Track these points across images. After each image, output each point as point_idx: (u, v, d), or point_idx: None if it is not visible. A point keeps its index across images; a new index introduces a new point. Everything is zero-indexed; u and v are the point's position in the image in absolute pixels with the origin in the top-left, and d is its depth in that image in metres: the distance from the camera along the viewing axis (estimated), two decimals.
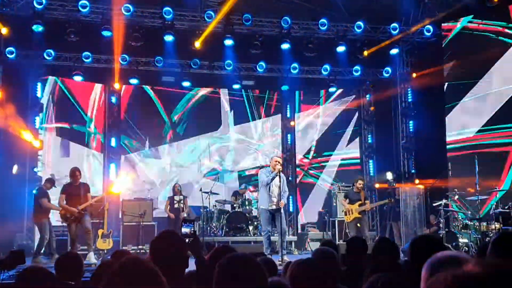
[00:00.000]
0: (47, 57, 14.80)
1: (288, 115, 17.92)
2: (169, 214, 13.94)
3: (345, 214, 12.86)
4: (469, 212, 12.01)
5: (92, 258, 10.95)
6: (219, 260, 2.80)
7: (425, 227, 13.44)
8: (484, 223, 11.31)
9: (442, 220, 11.90)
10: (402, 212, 13.74)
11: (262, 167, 14.93)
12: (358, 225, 12.65)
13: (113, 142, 16.48)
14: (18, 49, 14.37)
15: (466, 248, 11.16)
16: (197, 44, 14.48)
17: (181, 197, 14.06)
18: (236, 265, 2.71)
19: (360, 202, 12.68)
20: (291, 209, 16.93)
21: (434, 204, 12.37)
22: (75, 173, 11.23)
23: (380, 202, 13.93)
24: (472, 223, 11.55)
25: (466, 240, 11.35)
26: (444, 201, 12.03)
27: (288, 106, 17.96)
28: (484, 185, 11.89)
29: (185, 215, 14.45)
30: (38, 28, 13.29)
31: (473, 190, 11.79)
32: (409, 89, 16.40)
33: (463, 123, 14.70)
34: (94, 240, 12.37)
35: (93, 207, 12.35)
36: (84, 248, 11.44)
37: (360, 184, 12.94)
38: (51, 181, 12.37)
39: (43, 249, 11.94)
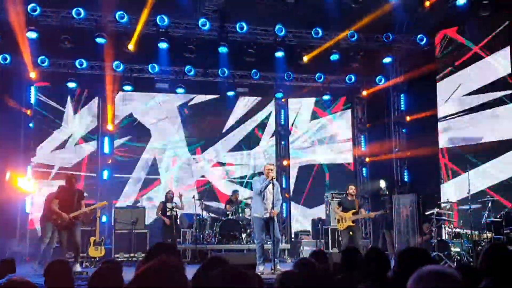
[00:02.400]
0: (41, 64, 14.82)
1: (282, 122, 17.95)
2: (163, 218, 13.84)
3: (338, 222, 12.71)
4: (461, 221, 12.03)
5: (77, 267, 10.79)
6: (210, 271, 2.80)
7: (418, 235, 13.44)
8: (476, 232, 11.32)
9: (434, 229, 11.92)
10: (395, 220, 13.75)
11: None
12: (351, 233, 12.59)
13: (106, 148, 16.45)
14: (12, 56, 14.39)
15: (458, 257, 11.17)
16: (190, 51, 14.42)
17: (174, 204, 14.01)
18: (228, 281, 2.71)
19: (354, 210, 12.59)
20: (284, 216, 16.95)
21: (426, 213, 12.39)
22: (71, 179, 11.16)
23: (377, 212, 13.88)
24: (464, 232, 11.56)
25: (458, 249, 11.36)
26: (436, 209, 12.04)
27: (282, 112, 18.00)
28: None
29: (178, 222, 14.44)
30: (32, 35, 13.28)
31: None
32: (402, 97, 16.47)
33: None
34: (85, 247, 12.40)
35: (86, 215, 12.30)
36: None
37: (352, 189, 12.84)
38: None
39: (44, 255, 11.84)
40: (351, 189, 12.80)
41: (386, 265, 4.99)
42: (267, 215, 10.48)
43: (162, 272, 2.45)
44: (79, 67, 15.10)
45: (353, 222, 12.48)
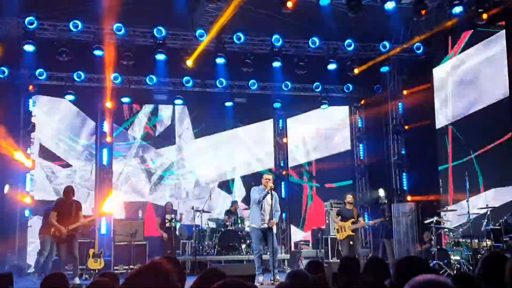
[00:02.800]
0: (39, 77, 14.85)
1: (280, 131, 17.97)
2: (161, 233, 13.83)
3: (338, 232, 12.74)
4: (460, 230, 12.00)
5: (76, 280, 10.78)
6: (207, 283, 2.83)
7: (418, 244, 13.42)
8: (476, 240, 11.30)
9: (433, 237, 11.89)
10: (395, 229, 13.73)
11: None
12: (351, 243, 12.59)
13: (104, 159, 16.45)
14: (10, 69, 14.42)
15: (458, 266, 11.14)
16: (189, 62, 14.51)
17: (173, 216, 14.00)
18: None
19: (353, 219, 12.62)
20: (283, 227, 16.93)
21: (425, 221, 12.37)
22: (68, 192, 11.14)
23: (376, 220, 13.89)
24: (463, 241, 11.53)
25: (458, 258, 11.33)
26: (435, 218, 12.02)
27: (280, 122, 18.02)
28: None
29: (178, 233, 14.43)
30: (29, 48, 13.31)
31: None
32: (400, 106, 16.50)
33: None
34: (85, 259, 12.38)
35: (85, 227, 12.29)
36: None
37: (349, 198, 12.89)
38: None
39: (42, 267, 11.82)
40: (349, 198, 12.85)
41: (385, 274, 4.98)
42: (265, 225, 10.46)
43: (151, 274, 2.56)
44: (77, 79, 15.14)
45: (352, 231, 12.50)
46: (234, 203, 15.61)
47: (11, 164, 14.43)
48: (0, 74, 14.40)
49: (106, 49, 13.85)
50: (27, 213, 14.79)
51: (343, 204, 13.25)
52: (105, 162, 16.43)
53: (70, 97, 15.38)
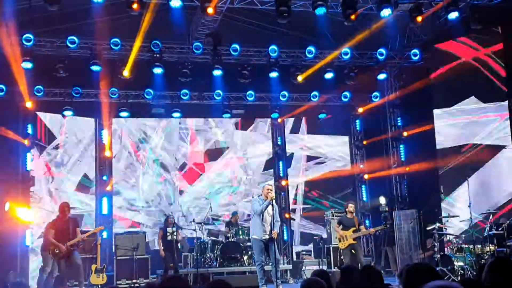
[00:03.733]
0: (37, 93, 14.85)
1: (279, 142, 17.94)
2: (160, 250, 13.67)
3: (339, 241, 12.69)
4: (463, 236, 11.97)
5: None
6: None
7: (421, 251, 13.36)
8: (479, 246, 11.27)
9: (436, 244, 11.85)
10: (397, 237, 13.69)
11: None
12: (353, 251, 12.54)
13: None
14: (7, 86, 14.41)
15: (462, 271, 11.09)
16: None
17: (174, 228, 13.91)
18: None
19: (354, 228, 12.56)
20: (285, 238, 16.88)
21: (427, 228, 12.33)
22: (63, 208, 11.09)
23: (377, 227, 13.83)
24: (466, 246, 11.50)
25: (461, 263, 11.28)
26: (437, 224, 11.99)
27: (278, 133, 18.01)
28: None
29: (180, 246, 14.35)
30: (27, 65, 13.32)
31: None
32: (398, 113, 16.52)
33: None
34: (87, 275, 12.29)
35: (86, 242, 12.25)
36: (76, 284, 11.29)
37: (351, 207, 12.82)
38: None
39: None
40: (350, 206, 12.76)
41: (379, 282, 4.93)
42: (266, 236, 10.40)
43: None
44: (75, 95, 15.15)
45: (354, 239, 12.44)
46: (234, 214, 15.55)
47: (12, 180, 14.43)
48: None
49: (103, 64, 13.88)
50: (28, 232, 14.69)
51: (344, 213, 13.19)
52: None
53: (68, 113, 15.38)
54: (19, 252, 14.39)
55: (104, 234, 15.10)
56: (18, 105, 14.96)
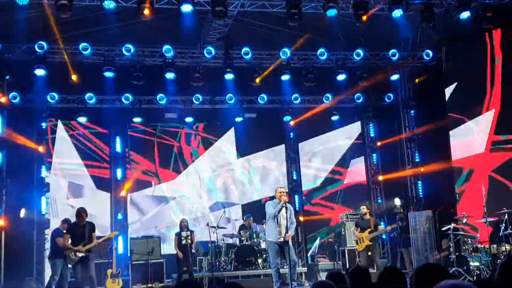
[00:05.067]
0: (50, 100, 14.96)
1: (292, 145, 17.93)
2: (177, 252, 13.75)
3: (357, 243, 12.83)
4: (478, 236, 11.88)
5: None
6: None
7: (436, 251, 13.29)
8: (495, 246, 11.18)
9: (451, 244, 11.77)
10: (412, 238, 13.61)
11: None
12: (369, 253, 12.57)
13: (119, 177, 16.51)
14: (21, 94, 14.54)
15: (478, 272, 11.02)
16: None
17: (188, 232, 13.91)
18: None
19: (370, 229, 12.63)
20: (299, 240, 16.83)
21: (442, 229, 12.25)
22: (81, 214, 11.10)
23: (393, 225, 13.86)
24: (482, 246, 11.42)
25: (477, 264, 11.21)
26: (452, 225, 11.91)
27: (291, 136, 17.98)
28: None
29: (194, 250, 14.35)
30: (40, 72, 13.44)
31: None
32: (412, 113, 16.42)
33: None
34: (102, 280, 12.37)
35: (102, 247, 12.29)
36: None
37: (363, 209, 12.92)
38: (67, 222, 12.21)
39: None
40: (363, 209, 12.89)
41: (403, 284, 4.89)
42: (281, 239, 10.39)
43: None
44: (88, 101, 15.23)
45: (370, 240, 12.50)
46: (248, 217, 15.50)
47: (26, 188, 14.54)
48: (11, 99, 14.47)
49: (116, 70, 13.97)
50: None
51: (360, 216, 13.26)
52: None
53: (82, 119, 15.51)
54: (35, 259, 14.48)
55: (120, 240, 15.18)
56: (32, 112, 15.09)
